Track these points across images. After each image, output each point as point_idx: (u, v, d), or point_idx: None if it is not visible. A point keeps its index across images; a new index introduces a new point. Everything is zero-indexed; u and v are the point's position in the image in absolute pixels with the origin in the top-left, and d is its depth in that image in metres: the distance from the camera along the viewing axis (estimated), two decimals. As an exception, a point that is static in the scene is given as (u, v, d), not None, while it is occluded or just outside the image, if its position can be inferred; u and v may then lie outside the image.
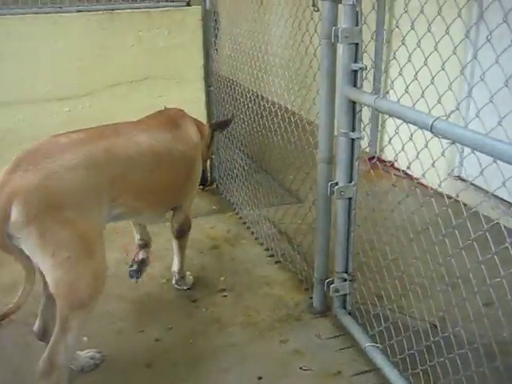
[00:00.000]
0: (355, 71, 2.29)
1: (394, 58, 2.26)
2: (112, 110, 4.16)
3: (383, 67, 4.19)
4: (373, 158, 3.19)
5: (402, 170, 3.35)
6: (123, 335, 2.79)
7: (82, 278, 2.03)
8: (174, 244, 3.11)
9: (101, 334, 2.74)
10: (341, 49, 2.29)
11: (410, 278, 2.44)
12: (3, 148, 4.07)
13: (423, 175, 2.14)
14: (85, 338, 2.60)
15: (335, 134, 2.51)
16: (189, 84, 4.31)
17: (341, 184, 2.48)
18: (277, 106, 3.48)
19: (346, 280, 2.66)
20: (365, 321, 2.59)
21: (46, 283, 2.11)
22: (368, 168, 2.85)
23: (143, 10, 4.04)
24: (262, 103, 3.64)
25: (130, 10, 4.03)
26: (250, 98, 3.74)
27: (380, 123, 4.46)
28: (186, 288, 3.17)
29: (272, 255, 3.51)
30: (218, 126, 3.33)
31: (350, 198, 2.50)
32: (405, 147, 2.23)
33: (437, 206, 2.14)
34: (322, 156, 2.58)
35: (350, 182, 2.47)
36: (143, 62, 4.14)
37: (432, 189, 2.29)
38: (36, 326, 2.38)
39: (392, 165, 3.60)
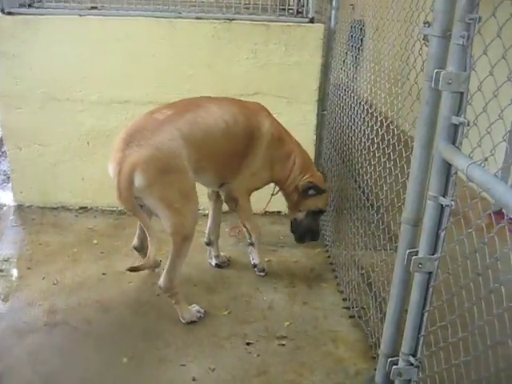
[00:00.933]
0: (456, 126, 1.88)
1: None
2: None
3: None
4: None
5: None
6: (163, 364, 2.61)
7: (187, 218, 2.75)
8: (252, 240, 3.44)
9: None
10: (442, 97, 1.89)
11: None
12: (107, 144, 4.12)
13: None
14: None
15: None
16: (300, 105, 4.05)
17: (421, 254, 2.07)
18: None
19: (412, 364, 2.24)
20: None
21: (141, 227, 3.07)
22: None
23: (262, 22, 3.84)
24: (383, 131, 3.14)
25: (249, 22, 3.86)
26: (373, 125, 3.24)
27: None
28: (263, 274, 3.46)
29: (348, 307, 3.14)
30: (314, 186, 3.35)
31: (429, 273, 2.09)
32: None
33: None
34: (406, 216, 2.19)
35: (433, 254, 2.06)
36: (255, 77, 3.96)
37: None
38: (135, 242, 3.30)
39: None
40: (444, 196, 1.97)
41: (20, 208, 4.28)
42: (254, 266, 3.46)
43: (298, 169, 3.30)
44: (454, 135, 1.89)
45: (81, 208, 4.31)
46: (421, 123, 2.07)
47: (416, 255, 2.08)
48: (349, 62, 3.72)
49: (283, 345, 2.82)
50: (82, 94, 4.03)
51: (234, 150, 3.03)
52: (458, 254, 1.93)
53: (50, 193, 4.29)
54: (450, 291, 1.98)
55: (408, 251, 2.11)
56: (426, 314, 2.13)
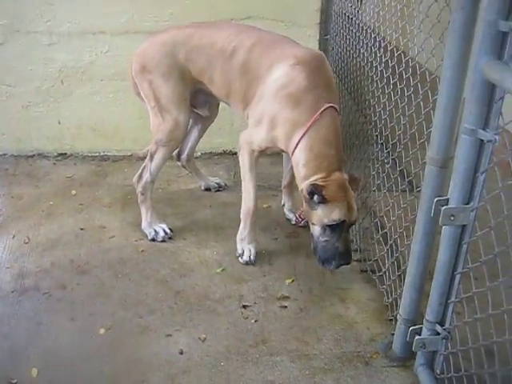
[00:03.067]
0: (504, 35, 1.42)
1: None
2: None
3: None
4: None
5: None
6: (146, 335, 2.26)
7: (164, 124, 2.76)
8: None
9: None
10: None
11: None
12: (83, 82, 3.67)
13: None
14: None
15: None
16: (300, 29, 3.53)
17: (452, 204, 1.65)
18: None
19: (438, 334, 1.86)
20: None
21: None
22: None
23: None
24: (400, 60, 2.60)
25: None
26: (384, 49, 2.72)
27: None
28: (243, 262, 2.76)
29: (360, 260, 2.75)
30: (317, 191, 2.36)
31: (463, 226, 1.68)
32: None
33: None
34: (432, 155, 1.75)
35: (468, 203, 1.63)
36: (246, -3, 3.43)
37: None
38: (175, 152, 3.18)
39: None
40: (485, 129, 1.53)
41: (-8, 157, 3.86)
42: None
43: (308, 159, 2.45)
44: (501, 48, 1.44)
45: (59, 155, 3.88)
46: (453, 36, 1.60)
47: (446, 205, 1.66)
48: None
49: (285, 307, 2.45)
50: (50, 24, 3.51)
51: (231, 80, 2.68)
52: (504, 204, 1.50)
53: (25, 139, 3.85)
54: (492, 250, 1.56)
55: (436, 199, 1.68)
56: (457, 277, 1.74)
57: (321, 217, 2.38)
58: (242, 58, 2.62)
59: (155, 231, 2.90)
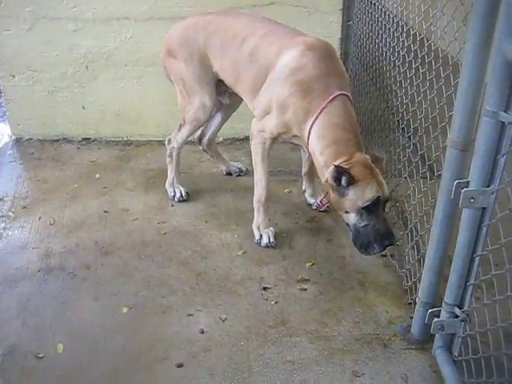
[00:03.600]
0: (527, 16, 1.41)
1: None
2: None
3: None
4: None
5: None
6: (168, 314, 2.31)
7: (187, 106, 2.93)
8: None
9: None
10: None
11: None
12: (107, 68, 3.71)
13: None
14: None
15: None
16: (322, 15, 3.53)
17: (472, 186, 1.66)
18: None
19: (457, 316, 1.88)
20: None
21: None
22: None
23: None
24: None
25: None
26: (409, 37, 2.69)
27: None
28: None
29: (379, 245, 2.76)
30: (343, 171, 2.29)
31: (483, 209, 1.68)
32: None
33: None
34: (453, 138, 1.76)
35: (488, 186, 1.64)
36: (270, -17, 3.43)
37: None
38: (196, 135, 3.30)
39: None
40: (506, 111, 1.53)
41: (19, 142, 3.93)
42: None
43: (323, 146, 2.41)
44: (525, 29, 1.43)
45: (83, 139, 3.94)
46: (475, 18, 1.59)
47: (467, 187, 1.66)
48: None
49: (305, 289, 2.48)
50: (75, 11, 3.56)
51: (240, 67, 2.72)
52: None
53: (50, 124, 3.92)
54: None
55: (456, 182, 1.69)
56: (476, 259, 1.75)
57: (354, 200, 2.29)
58: (252, 45, 2.62)
59: (174, 191, 3.15)
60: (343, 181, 2.28)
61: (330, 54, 2.55)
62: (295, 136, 2.57)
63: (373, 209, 2.29)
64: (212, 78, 2.85)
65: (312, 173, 2.95)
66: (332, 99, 2.42)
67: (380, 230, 2.30)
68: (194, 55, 2.82)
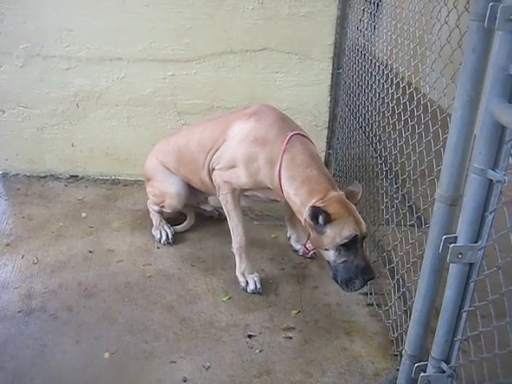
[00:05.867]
0: (514, 78, 1.45)
1: None
2: (219, 80, 3.61)
3: None
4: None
5: None
6: (150, 361, 2.25)
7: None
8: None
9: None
10: (497, 40, 1.45)
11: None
12: (98, 107, 3.73)
13: None
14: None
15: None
16: (313, 62, 3.60)
17: (460, 242, 1.66)
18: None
19: (443, 372, 1.85)
20: None
21: None
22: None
23: (270, -33, 3.37)
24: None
25: (254, -34, 3.38)
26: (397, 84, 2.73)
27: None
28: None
29: (366, 293, 2.75)
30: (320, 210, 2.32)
31: (471, 264, 1.68)
32: None
33: None
34: (441, 193, 1.77)
35: (476, 241, 1.64)
36: (262, 30, 3.50)
37: None
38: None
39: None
40: (494, 169, 1.55)
41: (5, 177, 3.91)
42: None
43: (295, 187, 2.47)
44: (512, 90, 1.46)
45: (71, 177, 3.93)
46: (464, 77, 1.62)
47: (454, 243, 1.67)
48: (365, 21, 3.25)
49: (290, 338, 2.45)
50: (69, 49, 3.59)
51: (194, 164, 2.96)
52: (512, 244, 1.51)
53: (38, 160, 3.91)
54: (499, 289, 1.57)
55: (444, 237, 1.69)
56: (464, 315, 1.73)
57: (332, 238, 2.32)
58: (196, 139, 2.86)
59: (160, 233, 3.15)
60: (320, 219, 2.31)
61: (270, 109, 2.71)
62: (267, 188, 2.62)
63: (351, 246, 2.33)
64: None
65: (294, 218, 2.95)
66: (289, 140, 2.52)
67: (359, 266, 2.33)
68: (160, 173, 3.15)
